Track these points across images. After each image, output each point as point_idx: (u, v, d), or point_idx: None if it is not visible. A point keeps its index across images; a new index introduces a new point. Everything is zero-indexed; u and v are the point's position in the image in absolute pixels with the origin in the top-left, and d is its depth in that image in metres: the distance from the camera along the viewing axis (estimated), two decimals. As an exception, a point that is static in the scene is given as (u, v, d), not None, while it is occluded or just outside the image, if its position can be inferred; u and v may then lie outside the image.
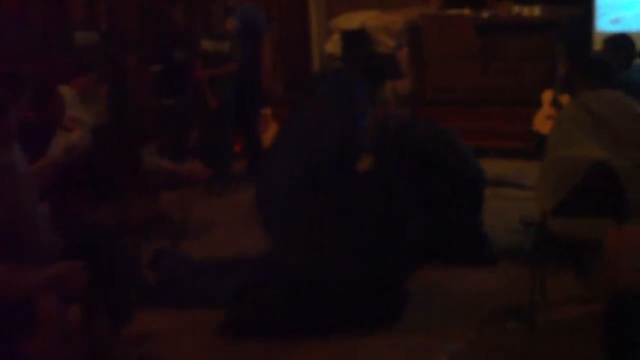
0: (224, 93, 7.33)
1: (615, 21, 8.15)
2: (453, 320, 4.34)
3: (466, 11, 8.65)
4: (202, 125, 7.72)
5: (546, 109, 7.51)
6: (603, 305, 3.03)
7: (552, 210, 4.04)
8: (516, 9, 8.49)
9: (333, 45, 9.36)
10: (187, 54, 7.51)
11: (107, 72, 6.73)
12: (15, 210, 3.31)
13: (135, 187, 5.43)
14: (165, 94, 7.49)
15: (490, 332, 4.21)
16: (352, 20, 8.97)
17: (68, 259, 3.37)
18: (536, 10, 8.41)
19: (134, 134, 6.27)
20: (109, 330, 3.86)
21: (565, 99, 7.39)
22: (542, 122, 7.36)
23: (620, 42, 5.48)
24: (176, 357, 4.13)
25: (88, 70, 5.82)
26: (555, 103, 7.44)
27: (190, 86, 7.60)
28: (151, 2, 8.71)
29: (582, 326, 4.04)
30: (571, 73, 5.94)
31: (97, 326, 3.78)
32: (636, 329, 2.75)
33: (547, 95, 7.60)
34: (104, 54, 7.21)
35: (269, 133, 8.09)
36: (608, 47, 5.50)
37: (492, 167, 7.30)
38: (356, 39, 8.52)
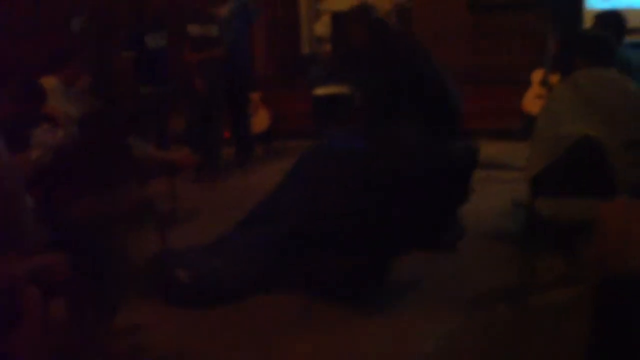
0: (213, 77, 7.26)
1: (606, -2, 8.11)
2: (442, 303, 4.32)
3: (457, -11, 8.62)
4: (190, 110, 7.64)
5: (536, 89, 7.48)
6: (591, 287, 3.01)
7: (541, 191, 4.01)
8: (508, -15, 8.46)
9: (322, 27, 9.32)
10: (166, 39, 7.43)
11: (91, 59, 6.69)
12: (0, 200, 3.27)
13: (124, 176, 5.39)
14: (142, 82, 7.42)
15: (480, 315, 4.19)
16: (341, 1, 8.90)
17: (53, 251, 3.35)
18: (527, -12, 8.38)
19: (122, 121, 6.23)
20: (95, 323, 3.84)
21: (555, 78, 7.36)
22: (532, 102, 7.34)
23: (610, 19, 5.42)
24: (167, 349, 4.10)
25: (72, 58, 5.78)
26: (544, 82, 7.41)
27: (172, 72, 7.53)
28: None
29: (572, 308, 4.02)
30: (568, 51, 5.87)
31: (83, 319, 3.75)
32: (625, 311, 2.72)
33: (536, 75, 7.56)
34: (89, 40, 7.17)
35: (258, 117, 8.05)
36: (598, 24, 5.45)
37: (483, 148, 7.27)
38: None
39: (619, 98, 4.14)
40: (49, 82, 5.66)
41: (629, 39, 5.54)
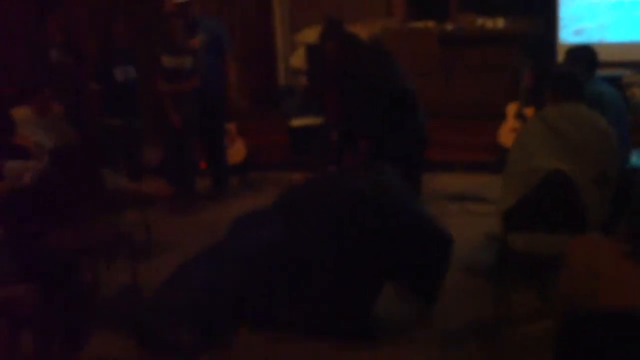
0: (188, 108, 7.24)
1: (578, 32, 8.22)
2: (416, 336, 4.30)
3: (430, 24, 8.67)
4: (164, 141, 7.61)
5: (510, 122, 7.53)
6: (556, 322, 3.01)
7: (513, 225, 4.02)
8: (480, 21, 8.52)
9: (298, 59, 9.35)
10: (136, 71, 7.42)
11: (64, 89, 6.67)
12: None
13: (96, 208, 5.35)
14: (111, 114, 7.40)
15: (454, 350, 4.17)
16: (316, 34, 8.95)
17: (22, 283, 3.31)
18: (500, 22, 8.45)
19: (94, 153, 6.20)
20: (63, 355, 3.79)
21: (529, 111, 7.41)
22: (507, 135, 7.37)
23: (581, 53, 5.47)
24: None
25: (42, 88, 5.76)
26: (519, 116, 7.46)
27: (143, 104, 7.51)
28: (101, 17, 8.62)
29: (544, 342, 4.01)
30: (540, 87, 5.94)
31: (51, 351, 3.70)
32: (587, 348, 2.72)
33: (511, 108, 7.61)
34: (62, 71, 7.15)
35: (234, 148, 8.03)
36: (569, 59, 5.50)
37: (457, 181, 7.32)
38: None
39: (589, 133, 4.17)
40: (21, 112, 5.63)
41: (600, 72, 5.58)
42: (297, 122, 8.56)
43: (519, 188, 4.05)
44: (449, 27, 8.60)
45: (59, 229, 4.71)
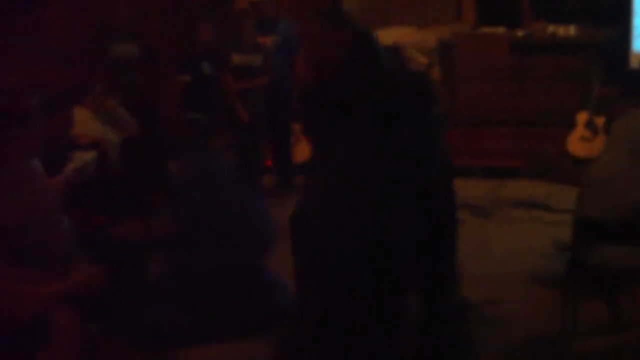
0: (255, 106, 7.29)
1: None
2: (484, 348, 4.21)
3: (500, 30, 8.55)
4: (232, 138, 7.65)
5: (580, 131, 7.40)
6: (635, 337, 2.92)
7: (586, 236, 3.92)
8: (551, 28, 8.38)
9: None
10: (215, 68, 7.49)
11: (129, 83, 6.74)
12: (34, 219, 3.27)
13: (162, 200, 5.39)
14: (192, 108, 7.46)
15: (519, 360, 4.10)
16: (386, 36, 8.90)
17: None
18: (572, 30, 8.29)
19: (163, 146, 6.25)
20: (129, 347, 3.81)
21: (600, 120, 7.28)
22: (576, 144, 7.25)
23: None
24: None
25: (93, 87, 5.82)
26: (590, 125, 7.33)
27: (218, 101, 7.57)
28: (179, 16, 8.71)
29: (613, 356, 3.91)
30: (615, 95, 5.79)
31: (116, 341, 3.72)
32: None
33: (581, 117, 7.48)
34: (135, 65, 7.23)
35: (299, 147, 8.04)
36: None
37: (523, 188, 7.20)
38: (390, 56, 8.47)
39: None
40: (79, 112, 5.68)
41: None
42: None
43: (600, 207, 3.93)
44: (520, 33, 8.48)
45: (126, 220, 4.76)
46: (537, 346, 4.17)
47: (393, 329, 3.29)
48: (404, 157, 3.11)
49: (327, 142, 3.25)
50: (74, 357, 3.13)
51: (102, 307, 3.40)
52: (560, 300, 4.17)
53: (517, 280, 5.06)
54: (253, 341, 4.18)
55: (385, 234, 3.08)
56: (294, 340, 3.70)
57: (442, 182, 3.38)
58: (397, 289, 3.24)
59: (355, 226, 3.07)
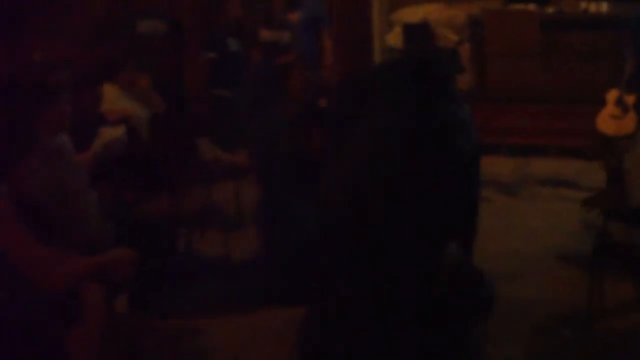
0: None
1: (687, 19, 7.90)
2: (508, 326, 4.22)
3: (531, 6, 8.46)
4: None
5: (610, 109, 7.32)
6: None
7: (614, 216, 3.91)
8: (583, 4, 8.29)
9: (394, 38, 9.27)
10: (243, 44, 7.48)
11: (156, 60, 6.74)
12: (63, 195, 3.31)
13: (190, 177, 5.43)
14: (218, 85, 7.46)
15: (545, 339, 4.09)
16: (414, 13, 8.83)
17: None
18: (603, 6, 8.20)
19: (191, 123, 6.28)
20: (157, 322, 3.86)
21: (630, 99, 7.20)
22: (606, 121, 7.17)
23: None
24: (228, 352, 4.07)
25: (124, 64, 5.83)
26: (620, 102, 7.25)
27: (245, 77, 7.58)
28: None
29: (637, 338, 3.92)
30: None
31: (142, 318, 3.77)
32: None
33: (612, 95, 7.39)
34: (162, 42, 7.24)
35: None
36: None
37: (552, 165, 7.17)
38: (418, 33, 8.42)
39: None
40: (108, 88, 5.70)
41: None
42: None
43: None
44: (551, 9, 8.39)
45: (155, 197, 4.80)
46: (562, 325, 4.17)
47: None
48: (420, 138, 3.10)
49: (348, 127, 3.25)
50: (102, 333, 3.18)
51: (130, 282, 3.45)
52: (587, 279, 4.17)
53: (543, 258, 5.05)
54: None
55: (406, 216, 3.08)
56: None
57: (469, 159, 3.38)
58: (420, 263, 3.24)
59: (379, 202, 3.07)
